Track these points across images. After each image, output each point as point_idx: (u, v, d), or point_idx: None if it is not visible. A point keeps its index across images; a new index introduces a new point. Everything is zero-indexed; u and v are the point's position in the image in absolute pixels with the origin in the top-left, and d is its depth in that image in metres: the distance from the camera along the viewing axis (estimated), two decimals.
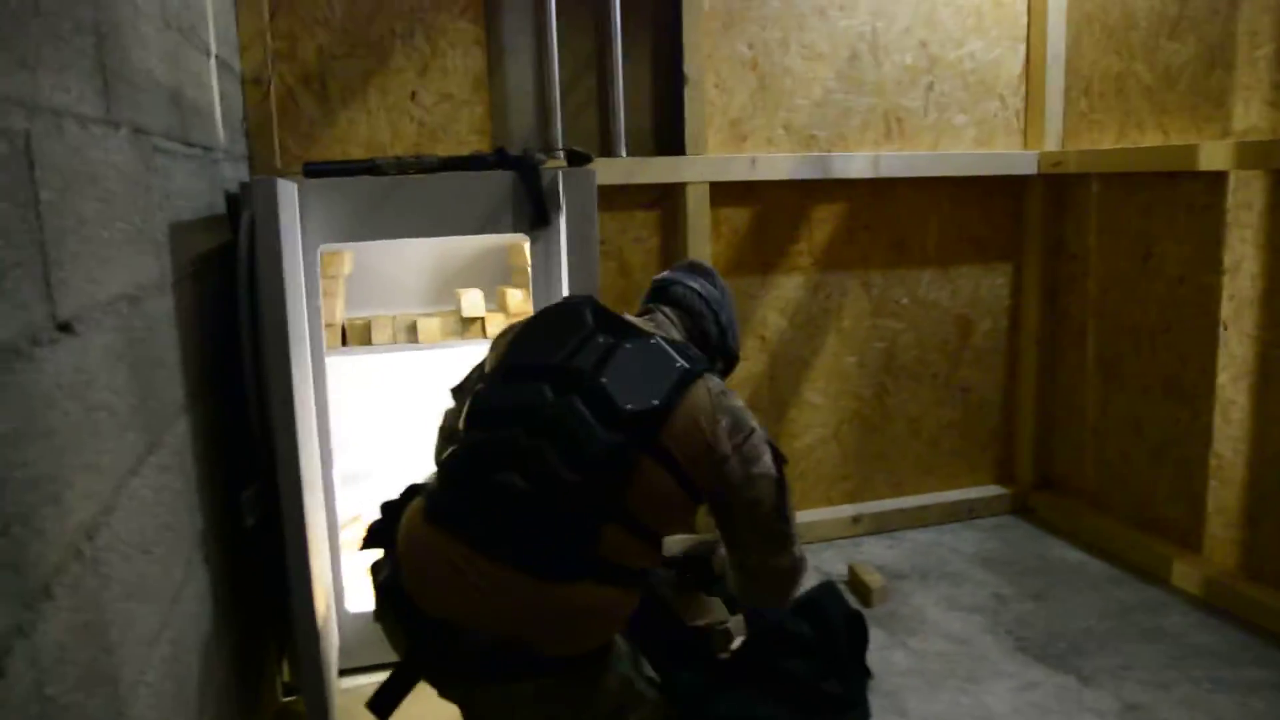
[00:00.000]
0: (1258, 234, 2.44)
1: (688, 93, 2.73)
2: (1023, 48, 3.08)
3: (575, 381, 1.53)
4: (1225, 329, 2.54)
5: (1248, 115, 2.45)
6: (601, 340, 1.60)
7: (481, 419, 1.57)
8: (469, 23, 2.57)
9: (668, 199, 2.79)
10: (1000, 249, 3.17)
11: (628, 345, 1.60)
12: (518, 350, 1.66)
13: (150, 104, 1.24)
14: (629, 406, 1.50)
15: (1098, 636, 2.39)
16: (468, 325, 2.61)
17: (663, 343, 1.62)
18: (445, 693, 1.56)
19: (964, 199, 3.09)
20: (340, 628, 2.21)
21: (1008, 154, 3.05)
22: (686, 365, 1.58)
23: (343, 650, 2.21)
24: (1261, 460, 2.47)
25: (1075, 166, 2.93)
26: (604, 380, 1.52)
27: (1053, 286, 3.14)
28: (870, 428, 3.13)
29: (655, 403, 1.51)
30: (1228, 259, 2.52)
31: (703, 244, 2.75)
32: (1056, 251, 3.12)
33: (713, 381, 1.62)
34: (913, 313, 3.11)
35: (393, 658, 2.31)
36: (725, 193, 2.81)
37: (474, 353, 2.39)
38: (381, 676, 2.29)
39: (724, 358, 1.88)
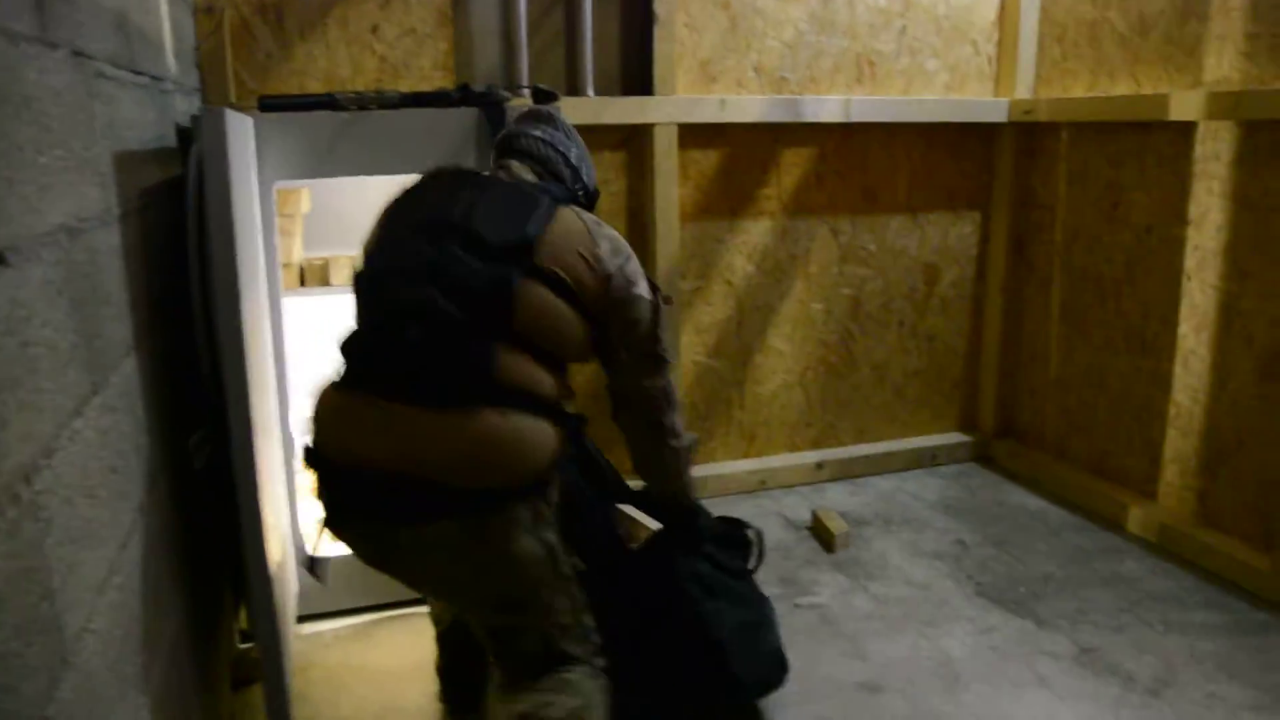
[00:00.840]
0: (1224, 185, 2.44)
1: (657, 31, 2.67)
2: None
3: (448, 231, 1.59)
4: (1188, 280, 2.55)
5: (1220, 65, 2.43)
6: (466, 194, 1.65)
7: (368, 288, 1.61)
8: None
9: (635, 140, 2.74)
10: (969, 197, 3.15)
11: (491, 192, 1.67)
12: (390, 221, 1.69)
13: (92, 26, 1.18)
14: (502, 239, 1.57)
15: (1055, 582, 2.42)
16: None
17: (522, 184, 1.71)
18: (364, 551, 1.58)
19: (934, 146, 3.07)
20: (299, 574, 2.19)
21: (979, 101, 3.02)
22: (550, 196, 1.68)
23: (301, 596, 2.19)
24: (1219, 410, 2.50)
25: (1046, 115, 2.91)
26: (474, 224, 1.59)
27: (1021, 236, 3.14)
28: (836, 374, 3.12)
29: (527, 230, 1.58)
30: (1194, 210, 2.52)
31: (670, 187, 2.71)
32: (1025, 201, 3.11)
33: (582, 211, 1.71)
34: (881, 260, 3.09)
35: (355, 602, 2.29)
36: (694, 135, 2.77)
37: None
38: (343, 622, 2.28)
39: (584, 193, 1.88)
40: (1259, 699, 1.93)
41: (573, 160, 1.86)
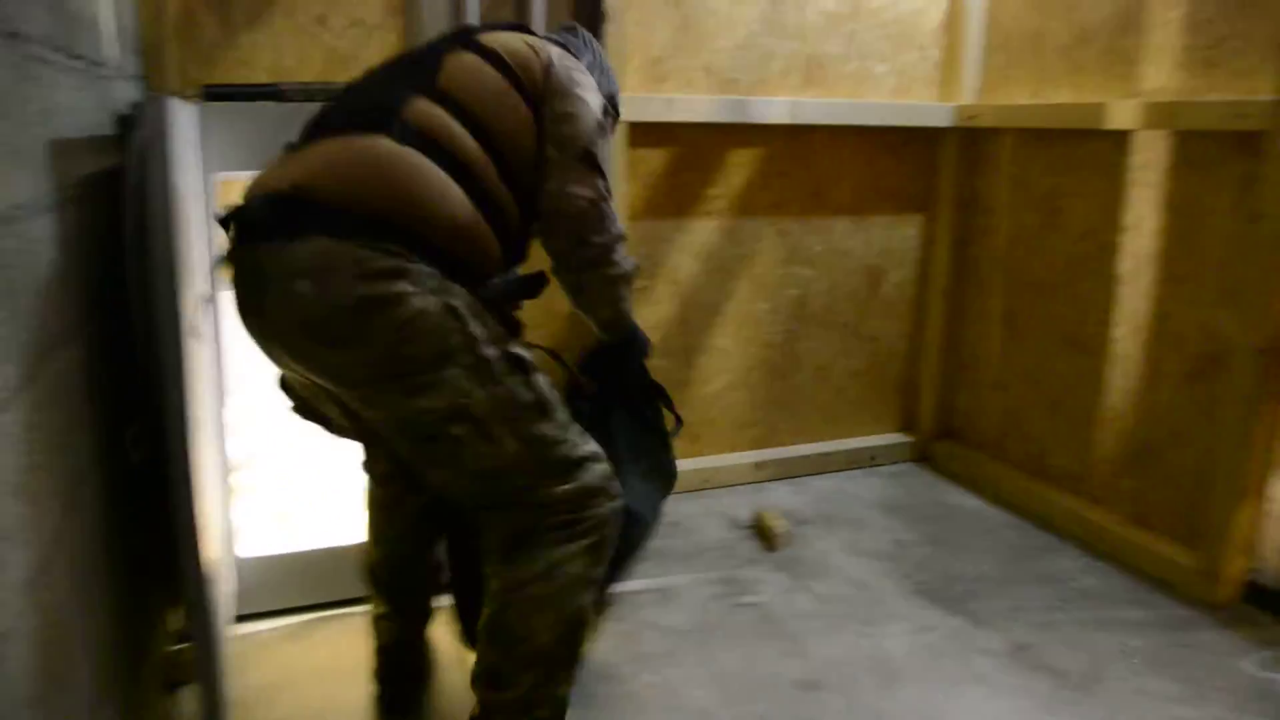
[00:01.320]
0: (1158, 193, 2.50)
1: (607, 28, 2.66)
2: (945, 0, 3.08)
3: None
4: (1123, 284, 2.61)
5: (1157, 76, 2.49)
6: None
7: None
8: None
9: None
10: (913, 200, 3.19)
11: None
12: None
13: (25, 6, 1.15)
14: (451, 34, 1.60)
15: (991, 580, 2.46)
16: None
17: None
18: (241, 298, 1.41)
19: (880, 148, 3.10)
20: (236, 572, 2.15)
21: (925, 105, 3.06)
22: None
23: (238, 596, 2.16)
24: (1150, 413, 2.56)
25: (990, 121, 2.96)
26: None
27: (963, 239, 3.19)
28: (779, 375, 3.15)
29: (471, 24, 1.63)
30: (1129, 216, 2.58)
31: (618, 185, 2.70)
32: (968, 204, 3.16)
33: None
34: (825, 261, 3.12)
35: (293, 601, 2.26)
36: (643, 133, 2.77)
37: None
38: (281, 622, 2.25)
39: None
40: (1184, 692, 1.98)
41: (596, 58, 1.84)
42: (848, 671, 2.05)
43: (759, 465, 3.11)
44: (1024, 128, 2.89)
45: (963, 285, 3.21)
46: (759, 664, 2.08)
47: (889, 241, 3.19)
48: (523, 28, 1.71)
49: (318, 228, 1.31)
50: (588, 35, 1.90)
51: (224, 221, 1.41)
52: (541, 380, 1.47)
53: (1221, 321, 2.34)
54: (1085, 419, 2.76)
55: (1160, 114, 2.42)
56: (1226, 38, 2.31)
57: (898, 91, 3.07)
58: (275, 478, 2.51)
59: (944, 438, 3.32)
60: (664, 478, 1.87)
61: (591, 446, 1.53)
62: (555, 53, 1.62)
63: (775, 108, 2.84)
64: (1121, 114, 2.51)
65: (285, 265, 1.32)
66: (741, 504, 2.92)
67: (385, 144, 1.38)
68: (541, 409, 1.46)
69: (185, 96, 2.05)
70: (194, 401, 1.50)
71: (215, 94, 2.02)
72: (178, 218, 1.43)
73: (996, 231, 3.05)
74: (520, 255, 1.63)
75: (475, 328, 1.38)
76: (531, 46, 1.59)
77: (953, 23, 3.07)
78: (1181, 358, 2.47)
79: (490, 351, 1.40)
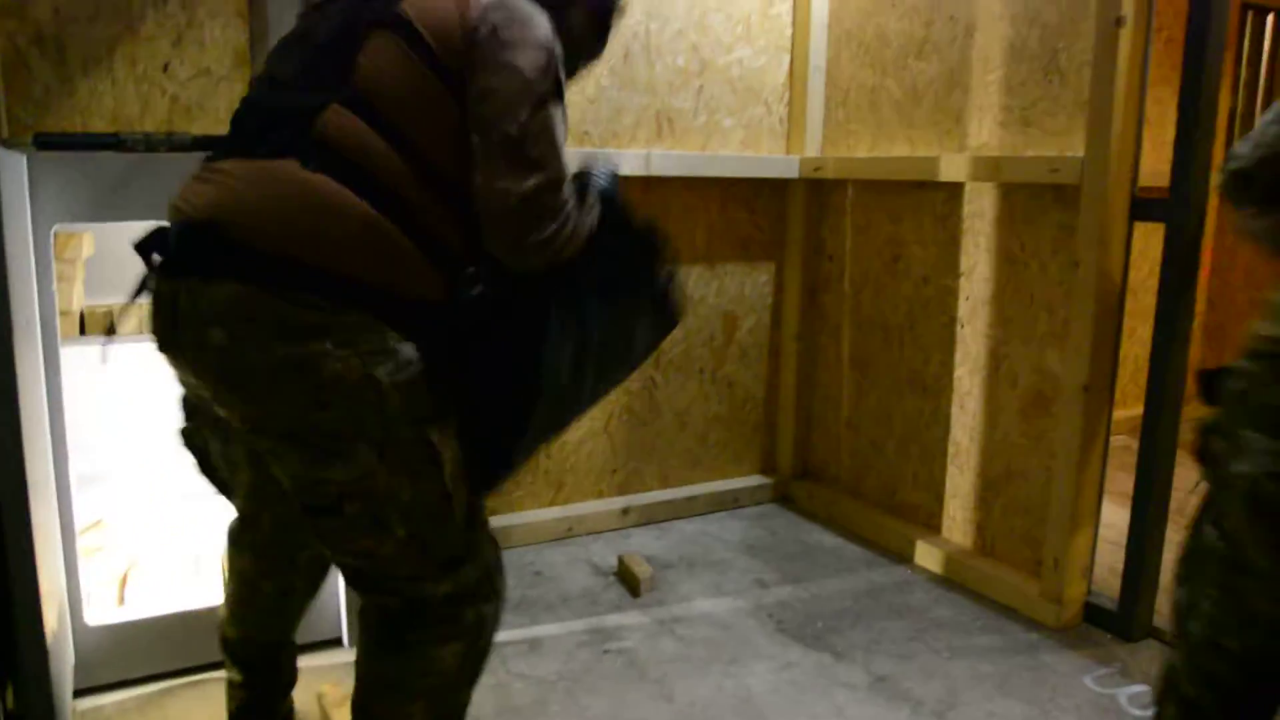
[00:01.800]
0: (989, 240, 2.66)
1: None
2: (788, 58, 3.22)
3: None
4: (962, 327, 2.76)
5: (981, 133, 2.66)
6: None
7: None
8: None
9: None
10: (764, 248, 3.30)
11: None
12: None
13: None
14: None
15: (850, 615, 2.53)
16: None
17: None
18: (156, 329, 1.32)
19: (732, 199, 3.21)
20: (77, 643, 2.04)
21: (772, 158, 3.19)
22: None
23: (80, 667, 2.04)
24: (991, 447, 2.70)
25: (833, 172, 3.10)
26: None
27: (813, 285, 3.31)
28: (640, 421, 3.19)
29: None
30: (964, 263, 2.74)
31: None
32: (817, 252, 3.29)
33: None
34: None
35: (141, 670, 2.14)
36: None
37: None
38: (128, 694, 2.12)
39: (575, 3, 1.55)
40: (1031, 712, 2.08)
41: None
42: (714, 712, 2.08)
43: (623, 512, 3.13)
44: (865, 179, 3.04)
45: (814, 330, 3.33)
46: (627, 710, 2.08)
47: (743, 288, 3.29)
48: None
49: (234, 271, 1.22)
50: None
51: (142, 248, 1.32)
52: (449, 471, 1.37)
53: (1050, 361, 2.50)
54: (933, 456, 2.89)
55: (986, 168, 2.58)
56: (1039, 99, 2.50)
57: (746, 144, 3.19)
58: (124, 539, 2.39)
59: (803, 478, 3.41)
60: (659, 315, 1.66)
61: (482, 543, 1.45)
62: (489, 16, 1.34)
63: (628, 159, 2.91)
64: (952, 167, 2.67)
65: (201, 308, 1.24)
66: (606, 551, 2.93)
67: (297, 173, 1.25)
68: (442, 503, 1.36)
69: (15, 144, 1.97)
70: (31, 464, 1.43)
71: (48, 142, 1.94)
72: (8, 271, 1.37)
73: (844, 278, 3.18)
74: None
75: (393, 403, 1.28)
76: (459, 10, 1.33)
77: (795, 79, 3.21)
78: (1017, 395, 2.62)
79: (405, 433, 1.30)
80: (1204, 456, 1.57)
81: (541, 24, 1.36)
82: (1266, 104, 4.72)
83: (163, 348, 1.33)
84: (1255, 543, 1.46)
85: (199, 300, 1.23)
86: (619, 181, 1.56)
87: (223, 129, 2.38)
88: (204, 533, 2.38)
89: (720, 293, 3.25)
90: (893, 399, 3.03)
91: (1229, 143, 4.34)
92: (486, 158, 1.31)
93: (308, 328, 1.23)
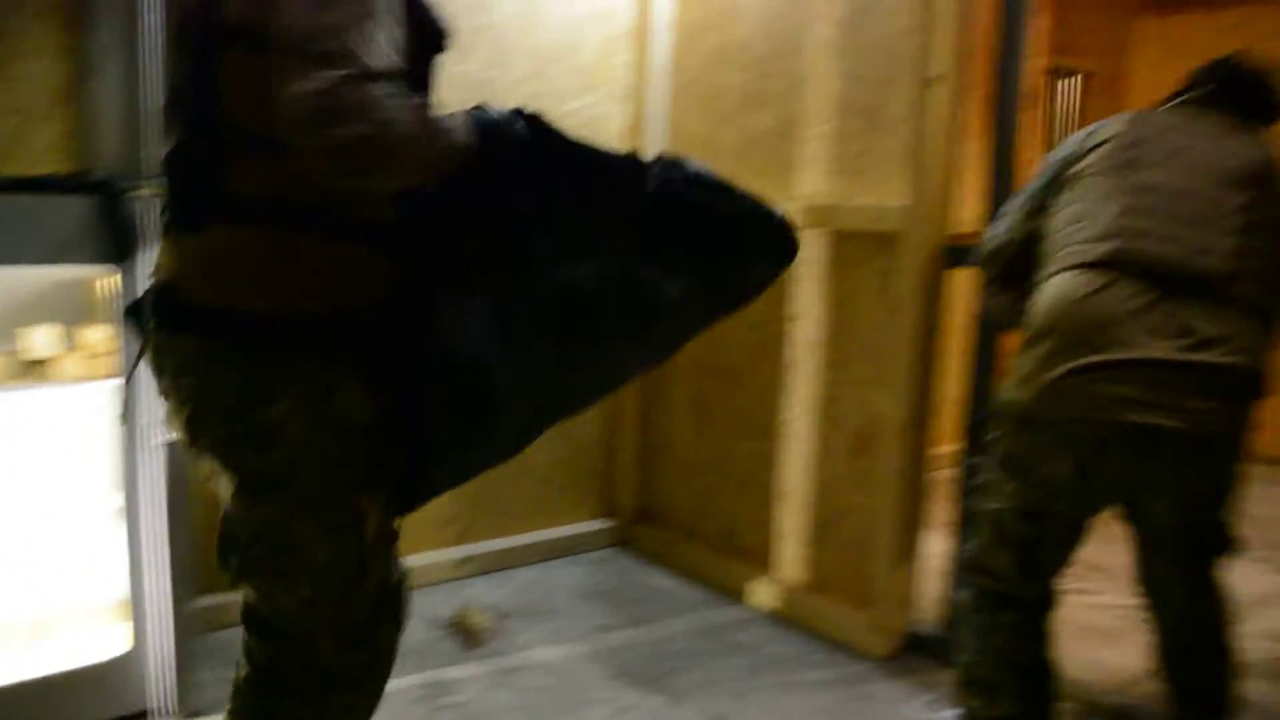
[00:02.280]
0: (820, 285, 2.76)
1: None
2: (628, 107, 3.28)
3: (180, 30, 1.32)
4: (794, 370, 2.84)
5: (812, 182, 2.77)
6: None
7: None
8: (51, 29, 2.30)
9: None
10: None
11: None
12: None
13: None
14: (187, 8, 1.28)
15: (689, 656, 2.55)
16: (34, 367, 2.29)
17: None
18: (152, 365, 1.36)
19: None
20: None
21: None
22: None
23: None
24: (822, 486, 2.78)
25: None
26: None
27: None
28: None
29: None
30: (797, 307, 2.83)
31: None
32: None
33: None
34: None
35: None
36: None
37: (43, 396, 2.12)
38: None
39: None
40: None
41: None
42: None
43: (461, 561, 3.07)
44: None
45: (655, 374, 3.37)
46: None
47: None
48: None
49: (193, 326, 1.28)
50: None
51: (130, 311, 1.40)
52: (369, 544, 1.35)
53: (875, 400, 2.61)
54: (767, 496, 2.95)
55: (817, 215, 2.68)
56: (865, 151, 2.62)
57: None
58: None
59: (643, 521, 3.43)
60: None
61: (382, 627, 1.41)
62: None
63: None
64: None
65: (174, 358, 1.31)
66: (443, 602, 2.86)
67: (227, 235, 1.27)
68: (355, 573, 1.34)
69: None
70: None
71: None
72: None
73: None
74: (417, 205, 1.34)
75: (331, 458, 1.29)
76: None
77: (636, 127, 3.27)
78: (845, 435, 2.71)
79: (335, 491, 1.31)
80: (966, 490, 1.99)
81: None
82: None
83: (160, 393, 1.37)
84: (1002, 559, 1.89)
85: (174, 349, 1.31)
86: (538, 118, 1.36)
87: (39, 170, 2.26)
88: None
89: None
90: (730, 441, 3.08)
91: None
92: (279, 71, 1.16)
93: (259, 376, 1.26)
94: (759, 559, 2.99)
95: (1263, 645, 2.72)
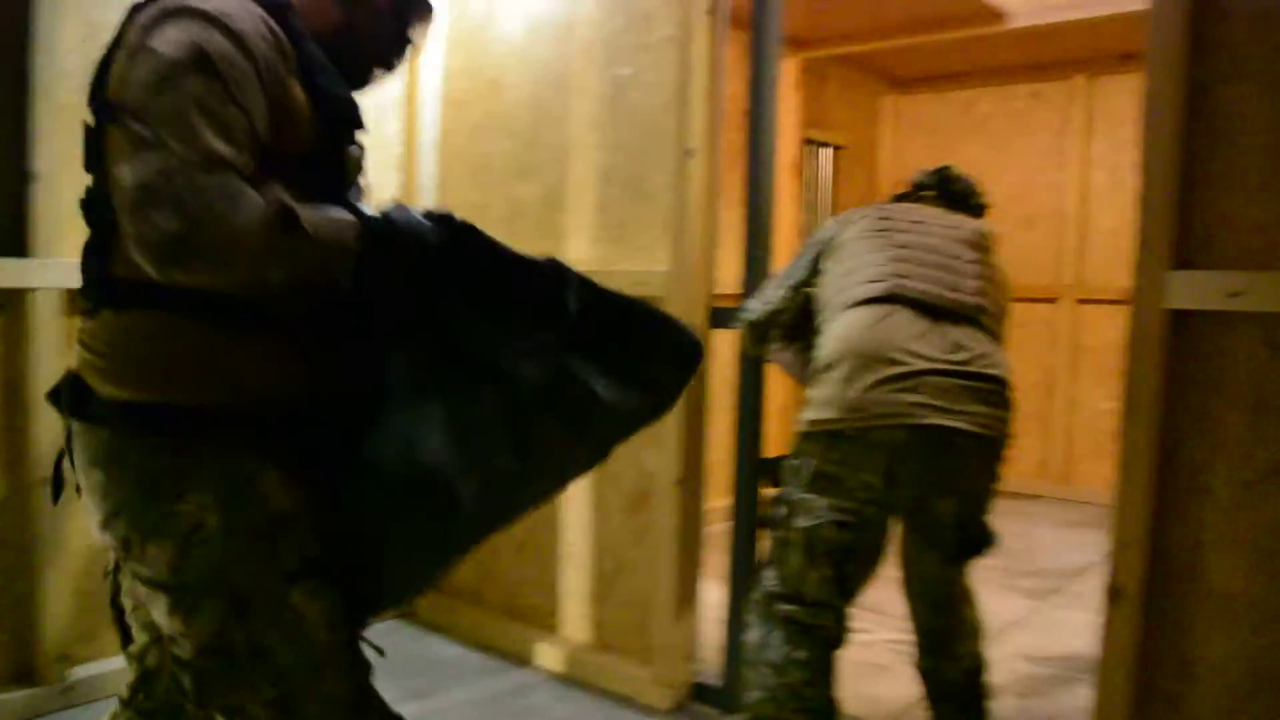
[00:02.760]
0: None
1: (37, 189, 2.49)
2: (399, 176, 3.29)
3: (91, 102, 1.27)
4: None
5: (579, 248, 2.86)
6: None
7: None
8: None
9: (10, 306, 2.48)
10: None
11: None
12: None
13: None
14: (91, 86, 1.25)
15: None
16: None
17: None
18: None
19: None
20: None
21: None
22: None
23: None
24: (602, 544, 2.84)
25: None
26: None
27: None
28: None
29: (102, 54, 1.24)
30: None
31: (53, 357, 2.48)
32: None
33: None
34: None
35: None
36: None
37: None
38: None
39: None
40: None
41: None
42: None
43: None
44: None
45: None
46: None
47: None
48: None
49: (98, 417, 1.25)
50: None
51: (50, 397, 1.35)
52: (322, 637, 1.27)
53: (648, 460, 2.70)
54: (549, 557, 2.98)
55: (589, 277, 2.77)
56: (630, 219, 2.74)
57: None
58: None
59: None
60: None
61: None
62: (143, 17, 1.19)
63: None
64: None
65: (83, 449, 1.28)
66: None
67: (115, 321, 1.25)
68: (316, 668, 1.26)
69: None
70: None
71: None
72: None
73: None
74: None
75: (255, 554, 1.24)
76: (128, 46, 1.19)
77: (407, 195, 3.28)
78: (622, 494, 2.78)
79: (270, 587, 1.24)
80: (767, 523, 2.10)
81: (188, 31, 1.17)
82: None
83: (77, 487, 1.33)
84: (812, 579, 2.02)
85: (82, 443, 1.27)
86: (451, 219, 1.37)
87: None
88: None
89: None
90: None
91: None
92: (112, 147, 1.16)
93: (164, 472, 1.23)
94: (544, 620, 3.01)
95: (1013, 665, 2.97)
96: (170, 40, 1.14)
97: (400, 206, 1.33)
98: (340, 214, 1.26)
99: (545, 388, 1.33)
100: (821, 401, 2.02)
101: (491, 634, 3.09)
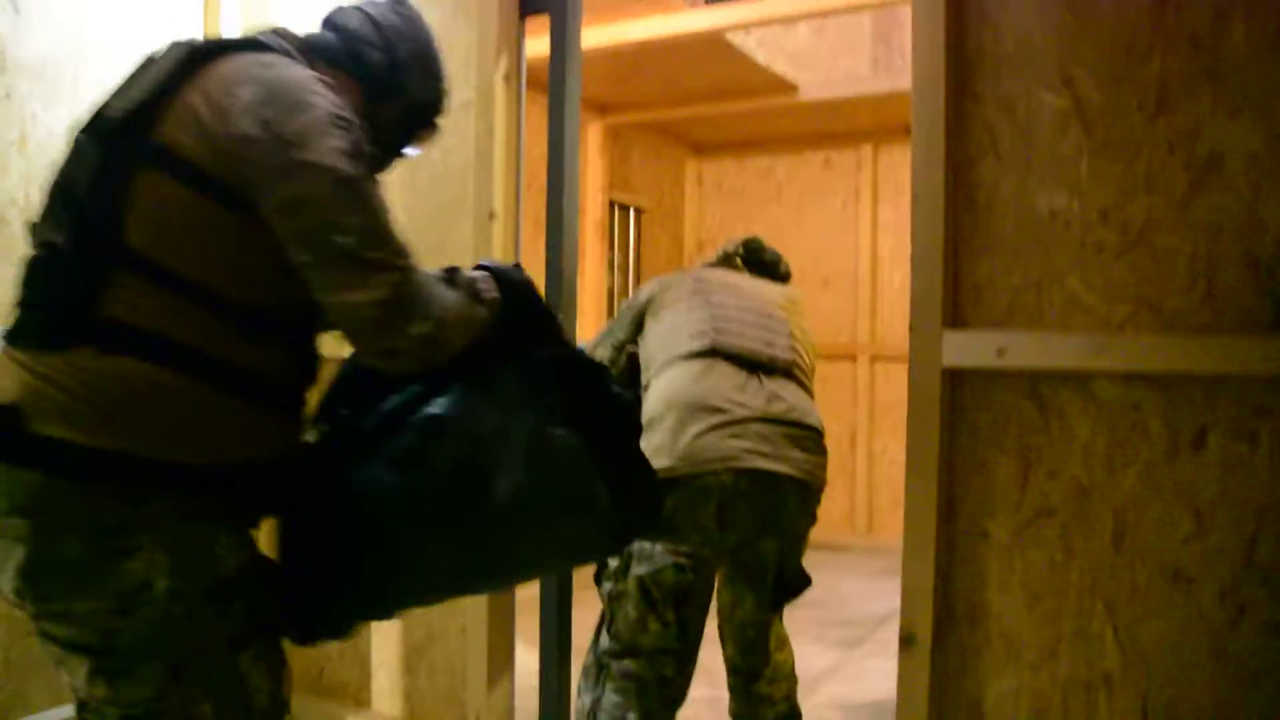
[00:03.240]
0: None
1: None
2: None
3: (95, 118, 1.24)
4: None
5: None
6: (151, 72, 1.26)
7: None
8: None
9: None
10: None
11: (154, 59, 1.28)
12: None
13: None
14: (121, 110, 1.20)
15: None
16: None
17: (189, 49, 1.26)
18: None
19: None
20: None
21: None
22: (205, 46, 1.25)
23: None
24: (412, 614, 2.75)
25: None
26: (109, 100, 1.24)
27: None
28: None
29: (142, 95, 1.20)
30: None
31: None
32: None
33: (261, 57, 1.25)
34: None
35: None
36: None
37: None
38: None
39: (392, 97, 1.46)
40: None
41: (399, 53, 1.42)
42: None
43: None
44: None
45: None
46: None
47: None
48: (238, 47, 1.28)
49: (38, 460, 1.14)
50: (415, 14, 1.49)
51: None
52: (262, 703, 1.27)
53: None
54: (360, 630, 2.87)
55: None
56: None
57: None
58: None
59: None
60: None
61: None
62: (253, 114, 1.19)
63: None
64: None
65: (2, 494, 1.16)
66: None
67: (94, 362, 1.15)
68: None
69: None
70: None
71: None
72: None
73: None
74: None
75: (201, 619, 1.19)
76: (225, 119, 1.19)
77: None
78: None
79: (211, 653, 1.21)
80: (598, 580, 2.19)
81: (315, 96, 1.23)
82: (638, 280, 5.59)
83: None
84: (653, 628, 2.06)
85: (2, 488, 1.16)
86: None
87: None
88: None
89: None
90: None
91: (610, 314, 5.04)
92: (323, 274, 1.20)
93: (113, 526, 1.15)
94: (354, 695, 2.89)
95: (825, 714, 3.06)
96: (334, 153, 1.19)
97: (488, 260, 1.49)
98: (470, 271, 1.38)
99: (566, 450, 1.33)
100: (653, 451, 2.06)
101: (299, 711, 2.92)
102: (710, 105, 5.14)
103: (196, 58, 1.24)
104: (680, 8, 4.22)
